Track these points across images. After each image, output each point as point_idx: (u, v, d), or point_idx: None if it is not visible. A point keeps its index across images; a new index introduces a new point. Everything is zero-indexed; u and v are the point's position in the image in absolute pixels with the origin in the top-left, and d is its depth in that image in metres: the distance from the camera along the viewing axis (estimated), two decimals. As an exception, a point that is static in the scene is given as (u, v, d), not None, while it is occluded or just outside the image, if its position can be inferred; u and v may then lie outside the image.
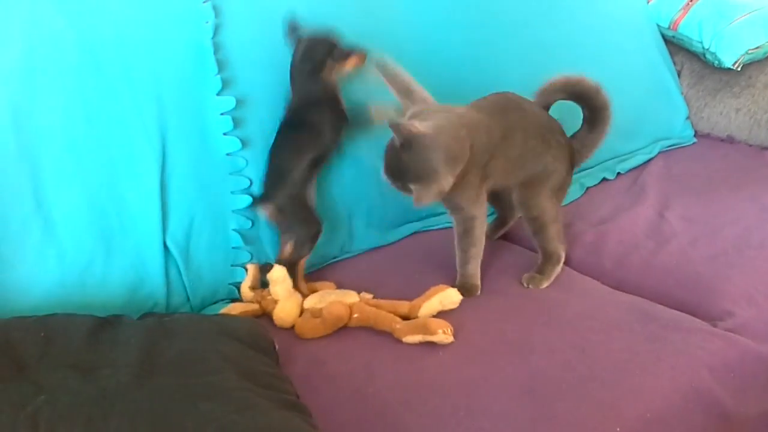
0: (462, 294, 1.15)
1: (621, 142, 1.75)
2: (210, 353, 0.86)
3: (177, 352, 0.85)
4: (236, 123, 1.22)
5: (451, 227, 1.40)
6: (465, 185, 1.13)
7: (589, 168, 1.68)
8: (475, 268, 1.21)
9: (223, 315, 1.11)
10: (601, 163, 1.70)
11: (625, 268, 1.30)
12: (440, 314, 1.11)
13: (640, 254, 1.32)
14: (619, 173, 1.68)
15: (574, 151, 1.27)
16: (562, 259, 1.26)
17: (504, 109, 1.19)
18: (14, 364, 0.78)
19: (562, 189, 1.28)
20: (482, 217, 1.20)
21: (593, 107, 1.26)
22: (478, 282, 1.21)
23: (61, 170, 1.08)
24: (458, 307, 1.13)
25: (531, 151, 1.20)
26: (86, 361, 0.80)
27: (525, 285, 1.22)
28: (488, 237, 1.39)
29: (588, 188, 1.60)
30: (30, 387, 0.74)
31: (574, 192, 1.57)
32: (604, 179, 1.65)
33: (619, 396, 0.96)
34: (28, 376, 0.76)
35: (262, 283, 1.21)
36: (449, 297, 1.14)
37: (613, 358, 1.02)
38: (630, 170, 1.69)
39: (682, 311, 1.15)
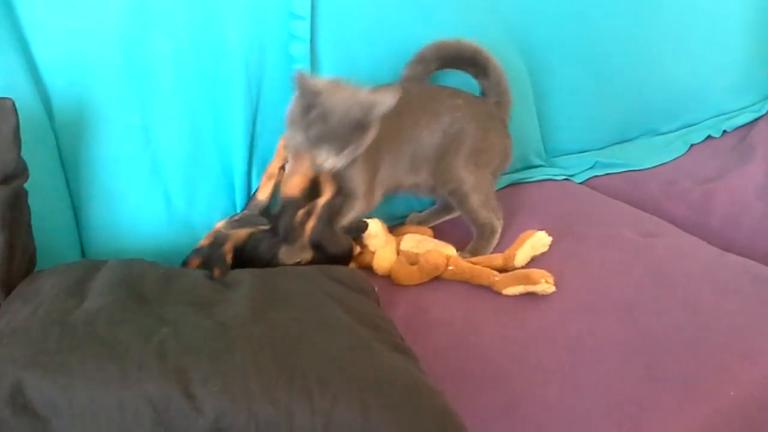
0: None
1: (727, 99, 1.68)
2: (317, 292, 0.87)
3: (286, 290, 0.86)
4: None
5: (541, 180, 1.34)
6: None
7: (693, 125, 1.61)
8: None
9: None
10: (706, 120, 1.63)
11: (734, 230, 1.25)
12: (542, 267, 1.08)
13: (751, 215, 1.27)
14: (725, 131, 1.60)
15: (490, 106, 1.21)
16: (498, 230, 1.18)
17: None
18: (137, 297, 0.80)
19: (484, 152, 1.19)
20: (364, 202, 1.11)
21: (478, 69, 1.20)
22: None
23: (168, 109, 1.09)
24: (561, 262, 1.11)
25: (413, 127, 1.13)
26: (203, 296, 0.82)
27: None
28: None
29: (692, 145, 1.54)
30: (153, 319, 0.75)
31: (677, 148, 1.52)
32: (709, 137, 1.57)
33: (733, 359, 0.92)
34: (151, 309, 0.77)
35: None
36: (540, 240, 1.14)
37: (727, 321, 0.98)
38: (736, 128, 1.62)
39: (797, 276, 1.09)
